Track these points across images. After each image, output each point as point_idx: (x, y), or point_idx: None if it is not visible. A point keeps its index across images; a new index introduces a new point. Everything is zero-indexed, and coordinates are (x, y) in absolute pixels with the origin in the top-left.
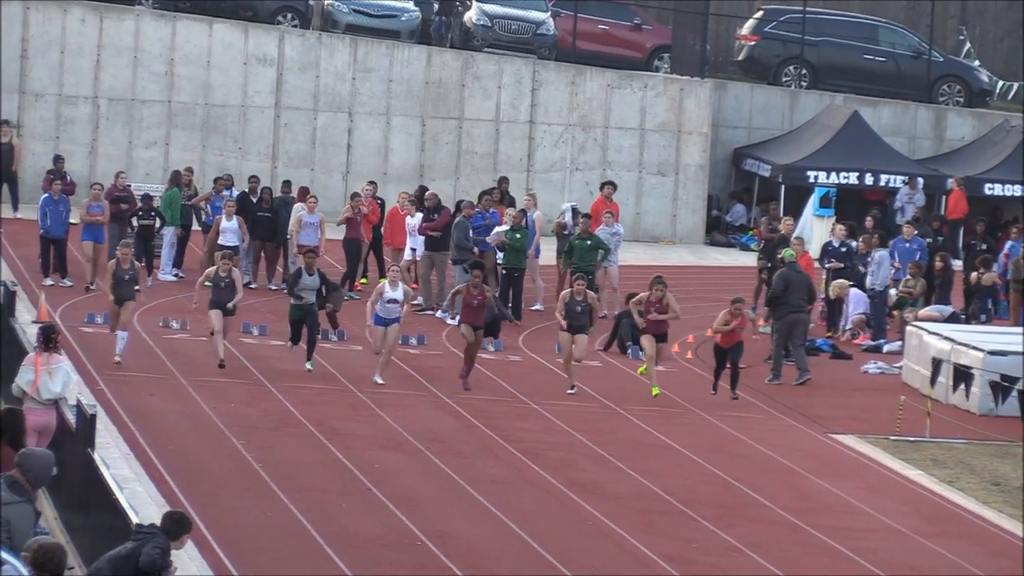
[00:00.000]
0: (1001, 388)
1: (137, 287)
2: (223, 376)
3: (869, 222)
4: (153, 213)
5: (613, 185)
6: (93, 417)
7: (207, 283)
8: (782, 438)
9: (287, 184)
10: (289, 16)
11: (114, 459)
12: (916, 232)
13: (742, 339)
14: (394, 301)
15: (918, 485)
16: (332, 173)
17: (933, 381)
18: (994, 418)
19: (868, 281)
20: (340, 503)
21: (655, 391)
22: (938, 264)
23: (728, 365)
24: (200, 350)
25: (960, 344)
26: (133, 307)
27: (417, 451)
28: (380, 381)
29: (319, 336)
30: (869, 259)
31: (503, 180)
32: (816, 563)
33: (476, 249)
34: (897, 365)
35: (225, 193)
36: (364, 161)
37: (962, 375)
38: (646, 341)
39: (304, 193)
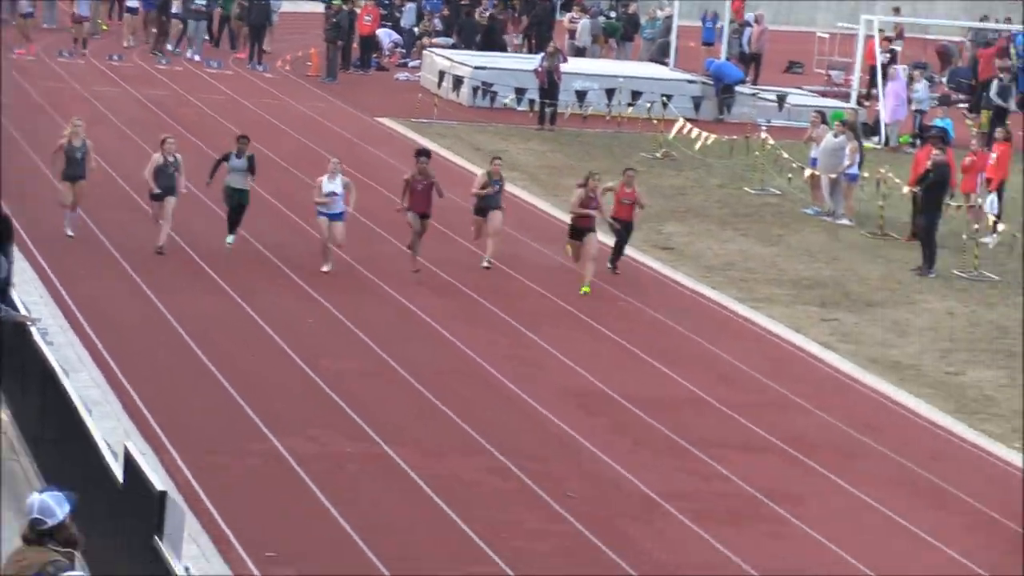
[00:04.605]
0: (482, 89)
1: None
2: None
3: None
4: None
5: None
6: None
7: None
8: (343, 120)
9: None
10: None
11: None
12: None
13: (633, 216)
14: (333, 194)
15: (430, 148)
16: None
17: (439, 85)
18: (476, 109)
19: (403, 22)
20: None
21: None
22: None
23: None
24: None
25: (456, 62)
26: (86, 187)
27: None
28: (326, 269)
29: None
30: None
31: None
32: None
33: None
34: (418, 75)
35: None
36: None
37: (457, 81)
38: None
39: None
